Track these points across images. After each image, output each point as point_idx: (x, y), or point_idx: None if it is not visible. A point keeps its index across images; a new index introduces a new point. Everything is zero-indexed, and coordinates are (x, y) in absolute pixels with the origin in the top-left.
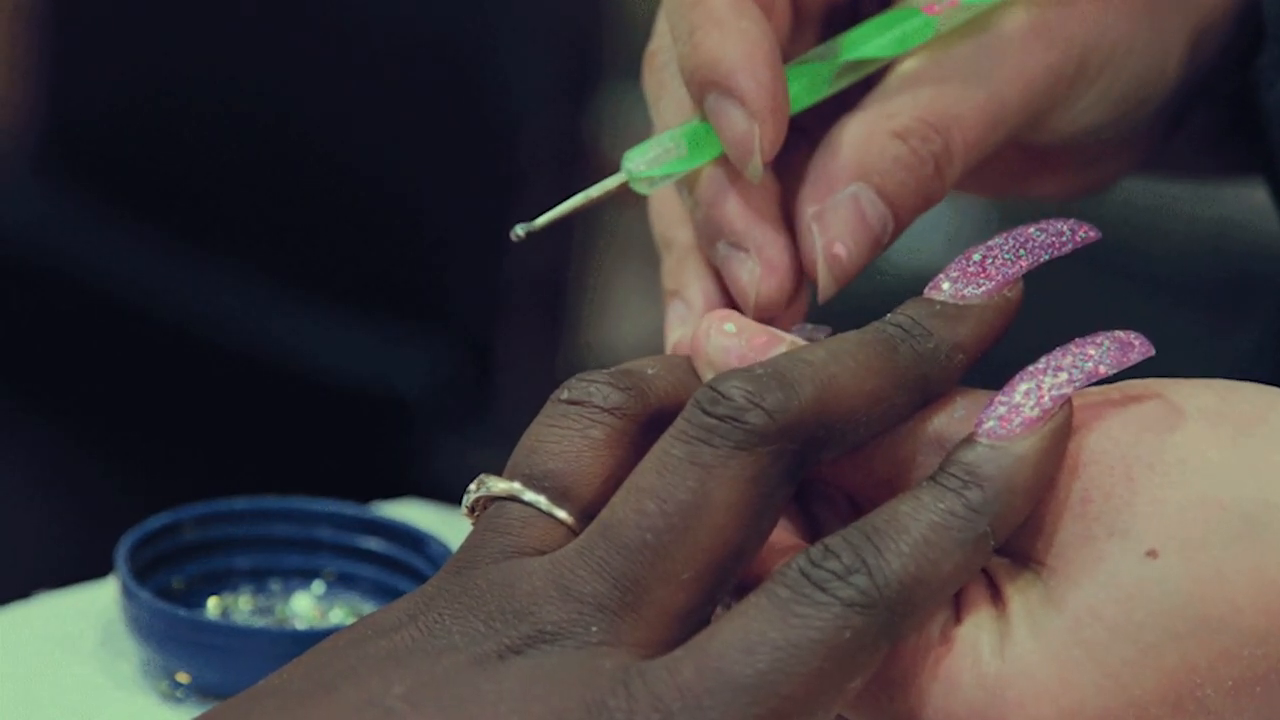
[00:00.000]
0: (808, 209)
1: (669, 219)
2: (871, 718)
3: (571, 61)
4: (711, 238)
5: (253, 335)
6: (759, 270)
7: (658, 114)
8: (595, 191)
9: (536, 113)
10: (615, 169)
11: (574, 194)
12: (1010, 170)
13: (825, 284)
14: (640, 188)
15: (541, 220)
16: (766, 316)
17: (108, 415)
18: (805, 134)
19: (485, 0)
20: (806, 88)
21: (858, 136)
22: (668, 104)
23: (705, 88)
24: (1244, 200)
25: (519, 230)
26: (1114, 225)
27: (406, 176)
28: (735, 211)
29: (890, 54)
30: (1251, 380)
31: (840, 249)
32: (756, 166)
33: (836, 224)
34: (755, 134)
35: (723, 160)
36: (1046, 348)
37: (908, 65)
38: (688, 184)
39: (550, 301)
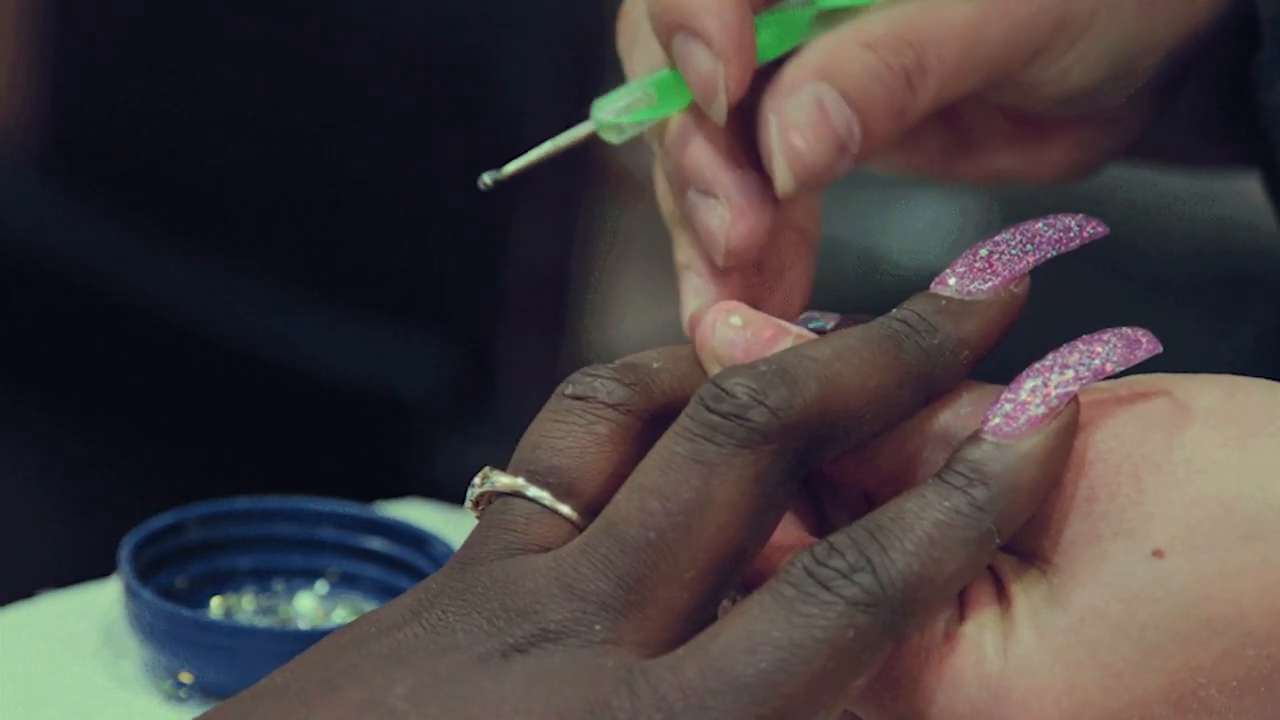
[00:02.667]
0: (767, 104)
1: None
2: (875, 716)
3: (571, 61)
4: (681, 187)
5: (255, 335)
6: (729, 215)
7: (630, 69)
8: (563, 140)
9: (537, 112)
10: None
11: (543, 143)
12: (1000, 140)
13: (784, 178)
14: (609, 135)
15: (510, 168)
16: (737, 263)
17: (111, 415)
18: None
19: (486, 1)
20: (781, 34)
21: (825, 45)
22: (639, 57)
23: (671, 30)
24: (1244, 200)
25: (486, 178)
26: (1114, 225)
27: (408, 176)
28: (703, 158)
29: (868, 0)
30: (1260, 376)
31: (799, 140)
32: (720, 106)
33: (795, 115)
34: (720, 73)
35: (693, 109)
36: (1046, 347)
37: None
38: (658, 136)
39: (552, 301)
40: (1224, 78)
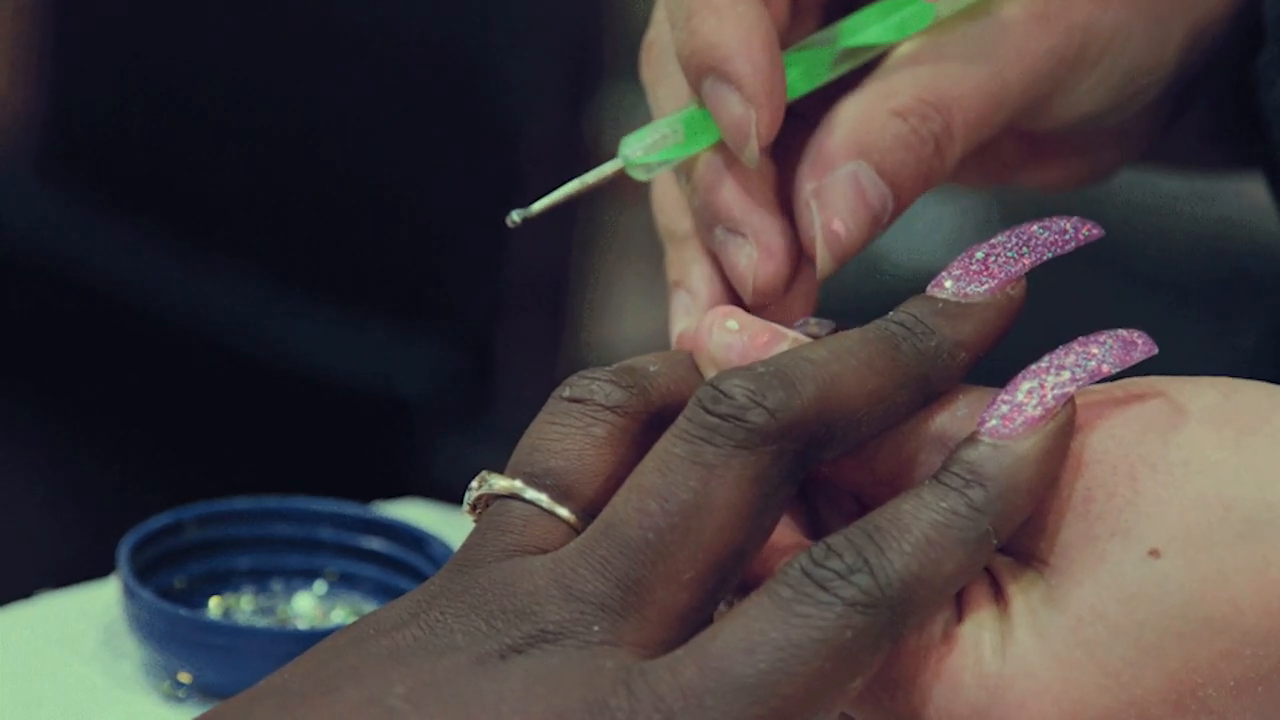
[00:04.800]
0: (806, 186)
1: (671, 211)
2: (873, 717)
3: (572, 61)
4: (709, 224)
5: (254, 335)
6: (756, 255)
7: (655, 101)
8: (592, 177)
9: (537, 112)
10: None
11: (573, 182)
12: (1008, 158)
13: (824, 262)
14: (637, 174)
15: (538, 206)
16: (765, 302)
17: (110, 415)
18: (804, 120)
19: (486, 0)
20: (804, 73)
21: (857, 114)
22: (665, 91)
23: (702, 72)
24: (1244, 200)
25: (515, 216)
26: (1114, 225)
27: (407, 176)
28: (732, 197)
29: (889, 40)
30: (1253, 379)
31: (840, 226)
32: (753, 152)
33: (835, 201)
34: (752, 119)
35: (720, 146)
36: (1045, 347)
37: (907, 48)
38: (685, 171)
39: (551, 301)
40: (1228, 81)
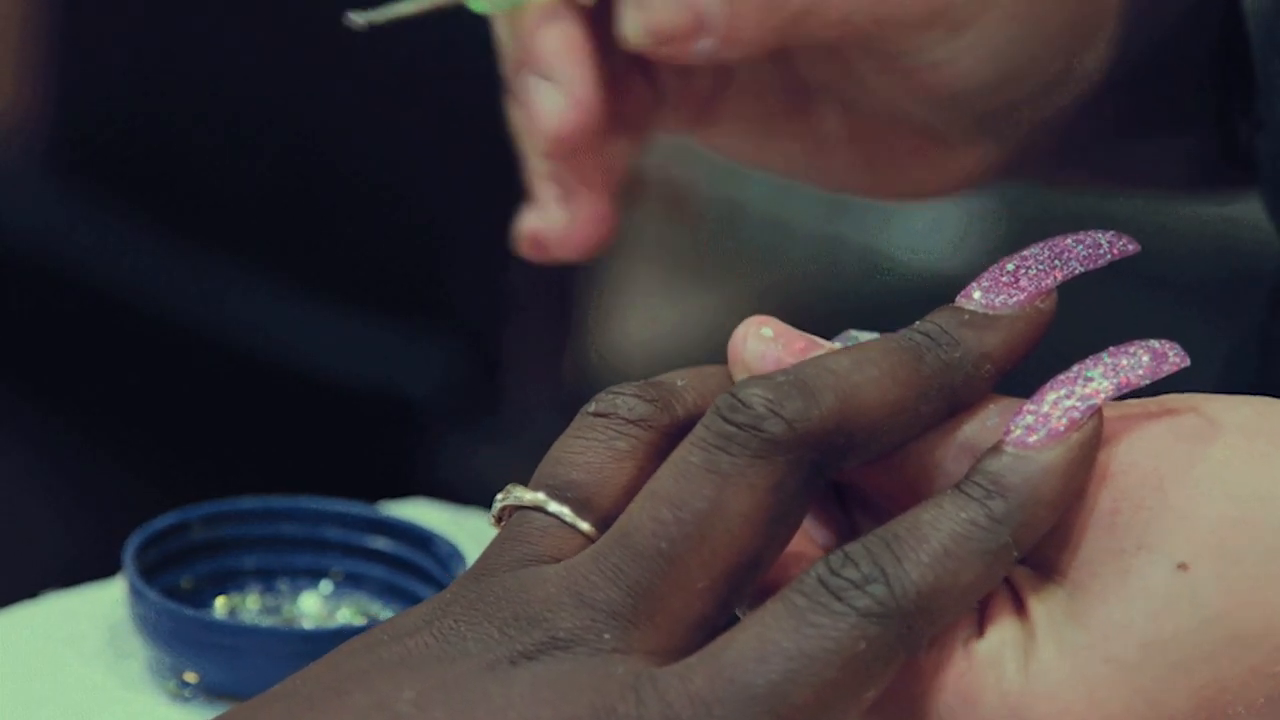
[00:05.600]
0: None
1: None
2: None
3: None
4: (521, 68)
5: (261, 335)
6: (561, 101)
7: None
8: (428, 1)
9: None
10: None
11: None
12: (895, 144)
13: (631, 22)
14: (476, 5)
15: (380, 16)
16: (558, 153)
17: (116, 415)
18: None
19: None
20: None
21: None
22: None
23: None
24: (1248, 198)
25: (356, 18)
26: (1115, 224)
27: (413, 177)
28: (553, 44)
29: None
30: (1233, 384)
31: None
32: None
33: None
34: None
35: (554, 3)
36: (1045, 347)
37: None
38: (511, 20)
39: (558, 301)
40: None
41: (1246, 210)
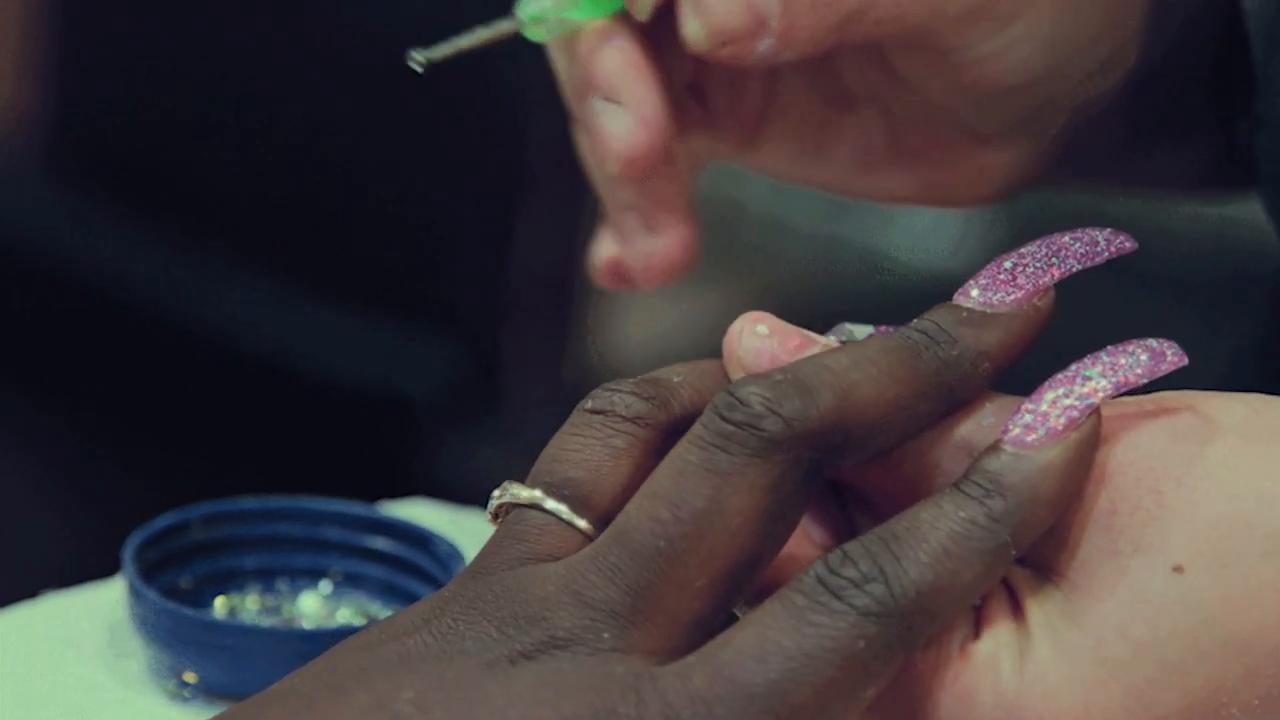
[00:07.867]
0: None
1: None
2: None
3: None
4: (584, 93)
5: (260, 335)
6: (630, 122)
7: None
8: (487, 33)
9: (541, 112)
10: None
11: (471, 33)
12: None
13: (692, 27)
14: (532, 33)
15: (439, 53)
16: (631, 175)
17: (115, 415)
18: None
19: (489, 2)
20: None
21: None
22: None
23: None
24: (1247, 198)
25: (417, 55)
26: (1115, 223)
27: (412, 177)
28: (614, 66)
29: None
30: (1233, 384)
31: None
32: (646, 2)
33: None
34: None
35: (610, 21)
36: (1044, 347)
37: None
38: (569, 45)
39: (557, 301)
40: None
41: (1246, 210)
